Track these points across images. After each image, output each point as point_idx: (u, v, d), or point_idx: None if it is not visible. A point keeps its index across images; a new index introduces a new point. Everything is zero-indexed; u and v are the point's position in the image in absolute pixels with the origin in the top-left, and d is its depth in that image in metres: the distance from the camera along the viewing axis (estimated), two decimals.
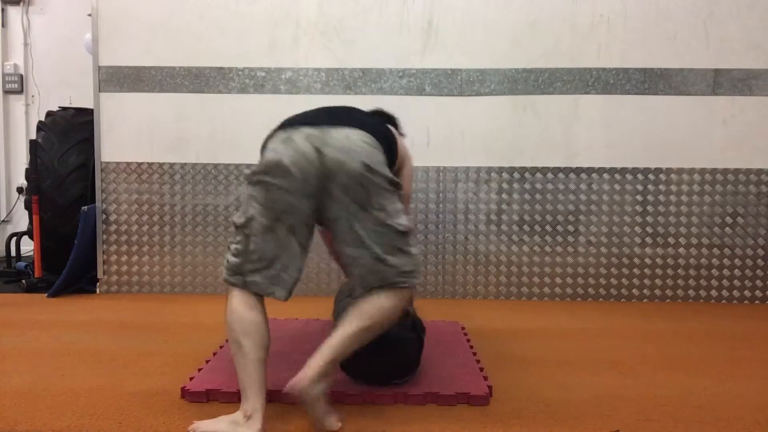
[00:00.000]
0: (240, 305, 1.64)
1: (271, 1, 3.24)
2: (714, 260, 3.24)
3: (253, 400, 1.56)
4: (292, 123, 1.69)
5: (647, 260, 3.26)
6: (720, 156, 3.21)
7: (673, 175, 3.23)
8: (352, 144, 1.62)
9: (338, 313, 2.02)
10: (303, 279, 3.44)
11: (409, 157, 2.04)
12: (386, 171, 1.66)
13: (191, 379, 1.90)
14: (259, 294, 1.66)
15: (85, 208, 3.31)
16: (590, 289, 3.28)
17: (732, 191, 3.22)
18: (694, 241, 3.25)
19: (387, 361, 1.84)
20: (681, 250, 3.25)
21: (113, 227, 3.37)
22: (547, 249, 3.29)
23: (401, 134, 2.17)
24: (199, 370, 2.00)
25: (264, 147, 1.70)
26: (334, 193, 1.62)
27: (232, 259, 1.67)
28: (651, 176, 3.24)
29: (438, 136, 3.21)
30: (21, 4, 4.64)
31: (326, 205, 1.64)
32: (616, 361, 2.21)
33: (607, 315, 2.98)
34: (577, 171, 3.26)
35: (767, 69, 3.16)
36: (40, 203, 3.51)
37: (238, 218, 1.67)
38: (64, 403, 1.77)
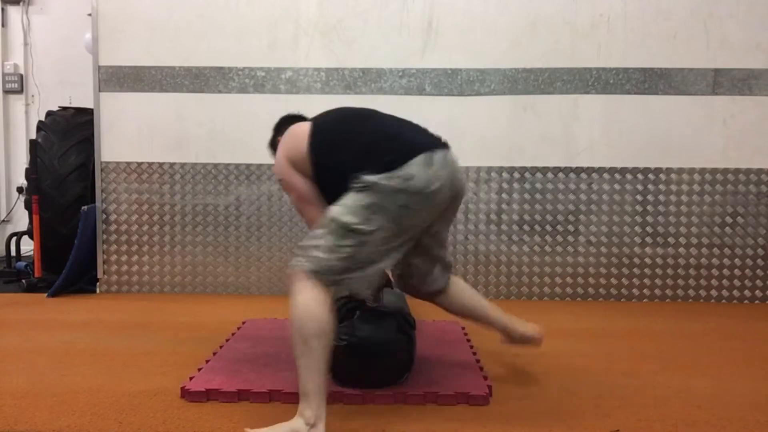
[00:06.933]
0: (314, 302, 1.55)
1: (271, 1, 3.24)
2: (714, 260, 3.24)
3: (318, 408, 1.51)
4: (422, 145, 1.71)
5: (647, 260, 3.26)
6: (720, 156, 3.21)
7: (673, 175, 3.23)
8: (459, 168, 1.81)
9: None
10: None
11: None
12: None
13: (191, 379, 1.90)
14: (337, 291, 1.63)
15: (85, 208, 3.31)
16: (590, 289, 3.28)
17: (732, 191, 3.22)
18: (694, 241, 3.25)
19: (380, 365, 1.84)
20: (681, 250, 3.25)
21: (113, 227, 3.37)
22: (547, 249, 3.28)
23: None
24: (199, 370, 2.00)
25: (396, 164, 1.64)
26: (449, 210, 1.83)
27: (337, 262, 1.58)
28: (651, 176, 3.24)
29: None
30: (21, 4, 4.64)
31: (439, 220, 1.82)
32: (616, 361, 2.21)
33: (607, 315, 2.98)
34: (577, 171, 3.26)
35: (767, 69, 3.16)
36: (40, 203, 3.51)
37: (357, 224, 1.58)
38: (64, 403, 1.77)
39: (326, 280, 1.58)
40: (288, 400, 1.78)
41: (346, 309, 1.91)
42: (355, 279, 1.62)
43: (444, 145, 1.78)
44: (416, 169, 1.64)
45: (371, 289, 1.82)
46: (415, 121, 1.91)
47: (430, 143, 1.75)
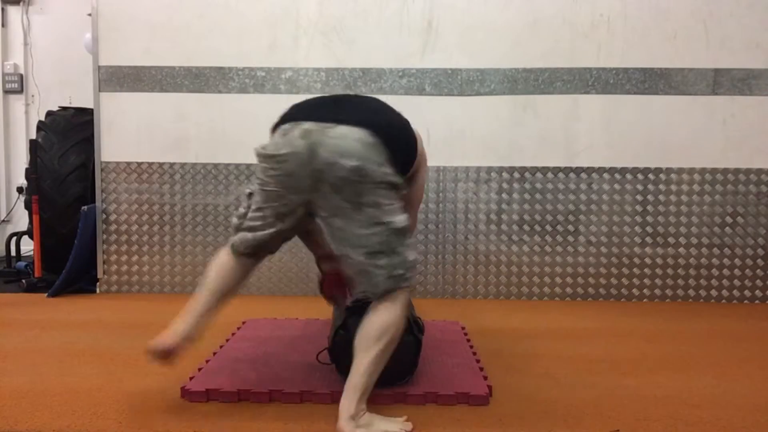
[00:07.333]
0: (225, 256, 1.80)
1: (271, 1, 3.24)
2: (714, 260, 3.24)
3: (184, 321, 1.73)
4: (296, 116, 1.68)
5: (647, 260, 3.26)
6: (720, 156, 3.21)
7: (673, 175, 3.23)
8: (346, 144, 1.60)
9: (337, 313, 2.02)
10: (303, 279, 3.44)
11: (426, 160, 1.99)
12: (383, 170, 1.62)
13: (191, 379, 1.90)
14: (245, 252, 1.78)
15: (85, 207, 3.31)
16: (590, 289, 3.28)
17: (732, 191, 3.22)
18: (694, 241, 3.25)
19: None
20: (681, 250, 3.25)
21: (113, 227, 3.37)
22: (547, 249, 3.28)
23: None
24: (199, 370, 2.00)
25: (273, 130, 1.73)
26: (325, 191, 1.62)
27: (235, 220, 1.82)
28: (651, 176, 3.24)
29: (438, 136, 3.21)
30: (21, 4, 4.64)
31: (318, 202, 1.65)
32: (616, 361, 2.21)
33: (607, 315, 2.98)
34: (577, 171, 3.26)
35: (767, 69, 3.17)
36: (40, 203, 3.51)
37: (248, 187, 1.79)
38: (64, 403, 1.77)
39: (231, 243, 1.81)
40: (288, 399, 1.78)
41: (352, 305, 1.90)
42: (239, 237, 1.78)
43: (339, 121, 1.63)
44: (275, 137, 1.69)
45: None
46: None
47: (320, 115, 1.66)
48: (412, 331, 1.86)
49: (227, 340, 2.37)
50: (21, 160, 4.66)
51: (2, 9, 4.66)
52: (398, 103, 3.27)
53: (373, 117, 1.71)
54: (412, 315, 1.92)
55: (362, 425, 1.54)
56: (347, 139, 1.60)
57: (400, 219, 1.64)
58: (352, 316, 1.85)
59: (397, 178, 1.66)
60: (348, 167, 1.58)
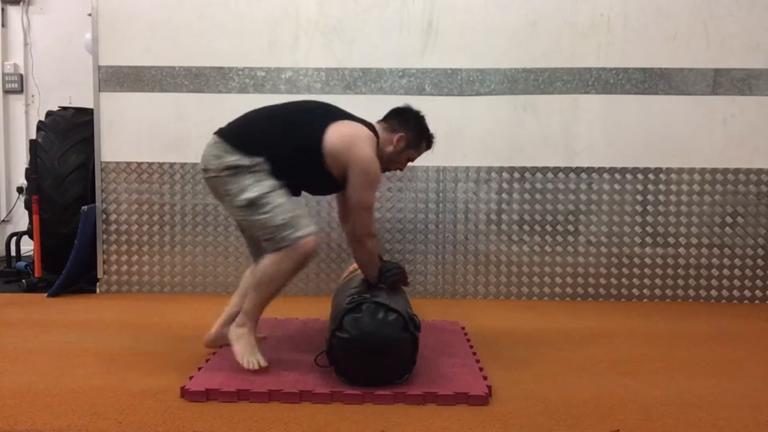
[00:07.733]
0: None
1: (271, 1, 3.24)
2: (714, 260, 3.24)
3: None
4: None
5: (647, 260, 3.26)
6: (720, 156, 3.21)
7: (673, 175, 3.23)
8: (202, 153, 2.03)
9: (335, 310, 2.02)
10: (303, 279, 3.44)
11: (359, 164, 1.96)
12: (221, 160, 1.95)
13: (191, 378, 1.90)
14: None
15: (85, 207, 3.31)
16: (590, 289, 3.28)
17: (732, 191, 3.22)
18: (694, 241, 3.25)
19: (382, 362, 1.84)
20: (681, 250, 3.25)
21: (113, 227, 3.37)
22: (547, 249, 3.28)
23: (391, 129, 2.18)
24: (199, 369, 2.00)
25: None
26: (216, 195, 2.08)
27: None
28: (651, 176, 3.24)
29: (438, 136, 3.18)
30: (21, 4, 4.64)
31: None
32: (616, 361, 2.21)
33: (607, 315, 2.98)
34: (577, 171, 3.26)
35: (767, 69, 3.17)
36: (40, 203, 3.51)
37: None
38: (64, 403, 1.77)
39: None
40: (287, 399, 1.78)
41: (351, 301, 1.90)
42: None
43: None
44: None
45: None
46: None
47: None
48: (408, 328, 1.86)
49: None
50: (21, 160, 4.66)
51: (2, 9, 4.66)
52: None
53: (232, 123, 2.09)
54: (408, 312, 1.92)
55: (236, 333, 1.98)
56: (204, 150, 2.02)
57: (246, 196, 1.91)
58: (347, 316, 1.86)
59: (243, 160, 1.93)
60: (201, 170, 2.03)
